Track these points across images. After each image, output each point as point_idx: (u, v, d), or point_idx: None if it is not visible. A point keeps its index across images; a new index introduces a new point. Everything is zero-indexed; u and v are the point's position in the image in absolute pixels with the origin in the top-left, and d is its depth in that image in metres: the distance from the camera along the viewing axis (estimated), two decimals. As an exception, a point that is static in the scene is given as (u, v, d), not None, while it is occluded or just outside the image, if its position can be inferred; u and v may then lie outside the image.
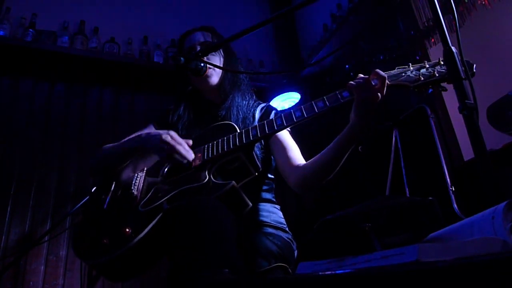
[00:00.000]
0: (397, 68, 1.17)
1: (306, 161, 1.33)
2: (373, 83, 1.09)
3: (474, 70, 1.02)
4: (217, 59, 1.49)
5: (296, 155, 1.36)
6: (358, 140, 1.18)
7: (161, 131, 1.26)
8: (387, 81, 1.10)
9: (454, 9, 0.90)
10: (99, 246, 1.12)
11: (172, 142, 1.22)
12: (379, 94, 1.09)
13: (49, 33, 2.85)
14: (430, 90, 1.13)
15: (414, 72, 1.13)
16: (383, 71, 1.15)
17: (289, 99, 3.10)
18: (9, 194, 2.48)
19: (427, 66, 1.13)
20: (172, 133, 1.25)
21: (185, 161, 1.24)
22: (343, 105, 1.14)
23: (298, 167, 1.32)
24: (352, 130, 1.15)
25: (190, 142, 1.31)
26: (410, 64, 1.16)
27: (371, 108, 1.09)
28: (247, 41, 3.17)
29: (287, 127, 1.20)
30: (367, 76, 1.10)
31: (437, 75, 1.10)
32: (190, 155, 1.24)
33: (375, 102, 1.09)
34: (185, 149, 1.23)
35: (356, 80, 1.11)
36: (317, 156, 1.27)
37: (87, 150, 2.76)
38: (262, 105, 1.55)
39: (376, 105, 1.09)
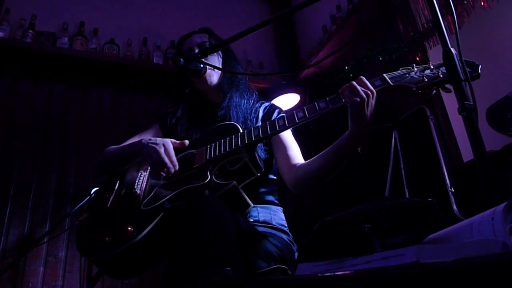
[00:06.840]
0: (401, 69, 1.15)
1: (305, 161, 1.33)
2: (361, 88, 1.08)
3: (480, 72, 0.99)
4: (215, 59, 1.50)
5: (295, 154, 1.36)
6: (356, 147, 1.16)
7: (158, 141, 1.25)
8: (390, 82, 1.10)
9: (453, 10, 0.91)
10: (101, 243, 1.13)
11: (163, 157, 1.20)
12: (368, 99, 1.08)
13: (49, 34, 2.85)
14: (434, 91, 1.10)
15: (418, 74, 1.11)
16: (383, 73, 1.14)
17: (288, 101, 3.10)
18: (8, 195, 2.48)
19: (432, 67, 1.11)
20: (168, 145, 1.24)
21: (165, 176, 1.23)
22: (345, 107, 1.13)
23: (294, 166, 1.32)
24: (350, 136, 1.14)
25: (186, 143, 1.32)
26: (414, 65, 1.14)
27: (364, 112, 1.08)
28: (247, 42, 3.18)
29: (289, 127, 1.20)
30: (354, 82, 1.10)
31: (441, 76, 1.07)
32: (171, 172, 1.23)
33: (366, 107, 1.08)
34: (168, 167, 1.21)
35: (346, 85, 1.11)
36: (314, 158, 1.27)
37: (86, 151, 2.76)
38: (266, 104, 1.56)
39: (369, 110, 1.08)
